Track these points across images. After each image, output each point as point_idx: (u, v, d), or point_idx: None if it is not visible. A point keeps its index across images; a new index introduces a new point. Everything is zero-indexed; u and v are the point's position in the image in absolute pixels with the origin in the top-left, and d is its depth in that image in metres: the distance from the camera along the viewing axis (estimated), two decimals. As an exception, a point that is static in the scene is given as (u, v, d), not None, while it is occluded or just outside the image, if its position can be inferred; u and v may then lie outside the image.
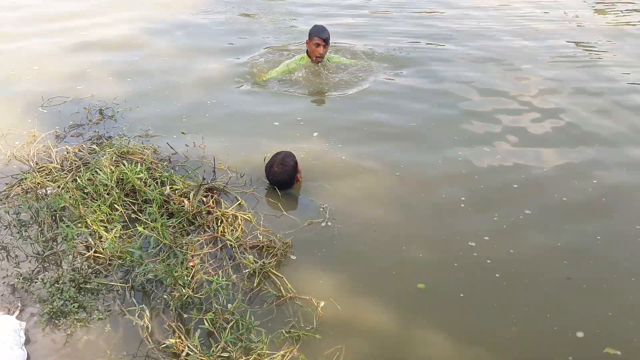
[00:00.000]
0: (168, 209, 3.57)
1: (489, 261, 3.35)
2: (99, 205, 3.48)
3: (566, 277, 3.25)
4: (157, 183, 3.74)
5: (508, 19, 7.95)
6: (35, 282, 3.10)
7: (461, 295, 3.13)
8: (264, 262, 3.22)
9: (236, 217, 3.59)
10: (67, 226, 3.27)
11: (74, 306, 2.92)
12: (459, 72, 6.07)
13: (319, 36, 5.47)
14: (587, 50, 6.77)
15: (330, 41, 5.59)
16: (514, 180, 4.12)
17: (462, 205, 3.85)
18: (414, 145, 4.59)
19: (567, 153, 4.52)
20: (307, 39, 5.63)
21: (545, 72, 6.07)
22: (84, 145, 4.27)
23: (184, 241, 3.31)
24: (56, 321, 2.90)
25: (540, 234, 3.59)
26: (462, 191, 3.99)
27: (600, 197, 3.96)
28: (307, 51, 5.70)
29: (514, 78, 5.93)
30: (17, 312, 2.94)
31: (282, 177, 3.89)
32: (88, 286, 3.05)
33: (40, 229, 3.43)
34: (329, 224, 3.62)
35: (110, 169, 3.72)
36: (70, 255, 3.16)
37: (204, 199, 3.69)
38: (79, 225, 3.35)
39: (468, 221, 3.70)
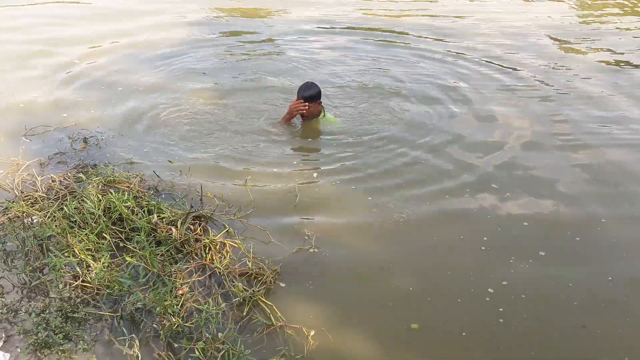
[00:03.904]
0: (156, 237, 3.56)
1: (500, 308, 3.28)
2: (87, 234, 3.46)
3: (581, 325, 3.20)
4: (144, 211, 3.73)
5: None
6: (21, 313, 3.06)
7: (463, 334, 3.11)
8: (253, 290, 3.22)
9: (224, 244, 3.59)
10: (55, 255, 3.24)
11: (59, 337, 2.88)
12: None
13: (297, 96, 5.15)
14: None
15: (315, 99, 5.14)
16: (523, 218, 4.07)
17: (463, 240, 3.84)
18: (415, 182, 4.49)
19: (571, 189, 4.49)
20: None
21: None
22: (69, 174, 4.24)
23: (172, 269, 3.30)
24: (40, 353, 2.85)
25: (553, 276, 3.54)
26: (466, 226, 3.97)
27: (610, 237, 3.92)
28: None
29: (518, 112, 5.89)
30: (0, 343, 2.89)
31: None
32: (76, 315, 3.01)
33: (26, 258, 3.39)
34: (316, 250, 3.65)
35: (98, 198, 3.71)
36: (59, 284, 3.13)
37: (192, 226, 3.69)
38: (66, 254, 3.32)
39: (471, 258, 3.67)
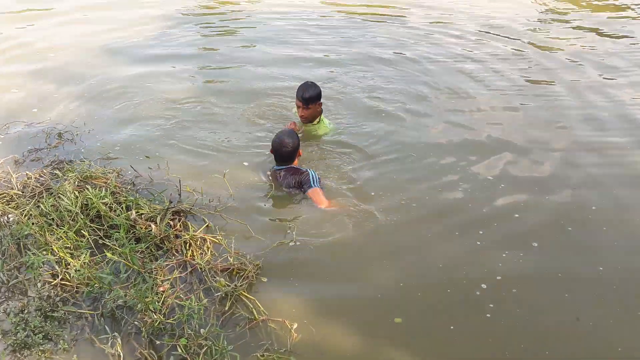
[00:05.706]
0: (135, 234, 3.52)
1: (491, 302, 3.26)
2: (65, 231, 3.41)
3: (575, 317, 3.20)
4: (122, 207, 3.69)
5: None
6: (-1, 313, 3.02)
7: (451, 327, 3.10)
8: (235, 285, 3.21)
9: (205, 240, 3.57)
10: (33, 254, 3.19)
11: (39, 337, 2.85)
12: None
13: (296, 96, 4.79)
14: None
15: (316, 101, 4.78)
16: (516, 211, 4.06)
17: (450, 231, 3.83)
18: (405, 175, 4.46)
19: (562, 179, 4.50)
20: None
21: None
22: (44, 171, 4.17)
23: (153, 266, 3.28)
24: (19, 354, 2.81)
25: (546, 268, 3.55)
26: (461, 221, 3.94)
27: (601, 226, 3.93)
28: None
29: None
30: (-22, 345, 2.85)
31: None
32: (55, 314, 2.98)
33: (3, 257, 3.33)
34: (298, 243, 3.64)
35: (74, 194, 3.65)
36: (38, 283, 3.09)
37: (171, 222, 3.66)
38: (45, 252, 3.27)
39: (465, 252, 3.66)
